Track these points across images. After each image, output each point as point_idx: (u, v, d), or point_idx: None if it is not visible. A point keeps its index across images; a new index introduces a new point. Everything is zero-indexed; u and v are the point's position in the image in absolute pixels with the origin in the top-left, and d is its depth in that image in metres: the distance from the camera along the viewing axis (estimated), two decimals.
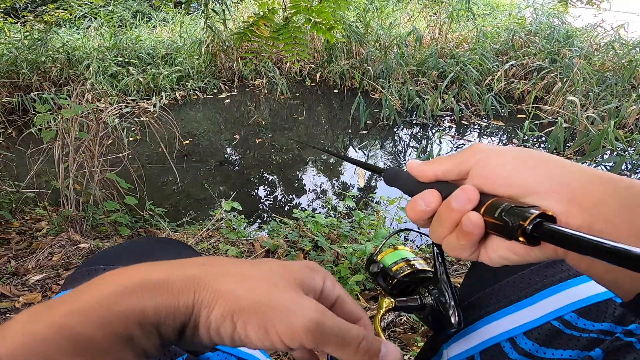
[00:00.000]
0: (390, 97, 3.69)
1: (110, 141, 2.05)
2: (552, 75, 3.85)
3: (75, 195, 1.87)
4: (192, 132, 3.63)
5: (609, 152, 2.89)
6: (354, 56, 4.50)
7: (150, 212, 1.98)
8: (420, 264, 0.49)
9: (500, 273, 0.51)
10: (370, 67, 4.35)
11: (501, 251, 0.31)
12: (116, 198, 1.97)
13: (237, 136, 3.55)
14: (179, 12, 5.97)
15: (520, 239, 0.26)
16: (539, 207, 0.27)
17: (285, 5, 1.80)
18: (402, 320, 1.12)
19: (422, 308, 0.42)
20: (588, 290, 0.44)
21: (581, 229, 0.25)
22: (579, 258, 0.28)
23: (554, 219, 0.27)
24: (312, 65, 4.84)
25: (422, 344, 0.99)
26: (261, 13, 1.68)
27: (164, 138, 2.57)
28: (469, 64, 4.05)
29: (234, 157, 3.29)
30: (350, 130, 3.60)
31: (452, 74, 3.97)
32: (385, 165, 3.06)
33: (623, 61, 3.82)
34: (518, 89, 4.03)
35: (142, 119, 2.21)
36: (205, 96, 4.52)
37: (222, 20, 4.72)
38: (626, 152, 2.76)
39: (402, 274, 0.47)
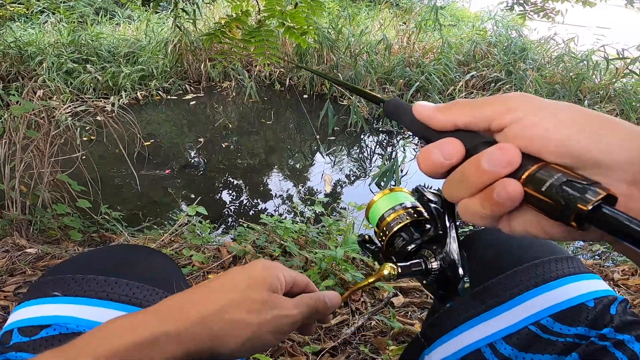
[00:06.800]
0: (358, 104, 3.73)
1: (62, 141, 1.92)
2: (507, 86, 4.05)
3: (21, 197, 1.72)
4: (153, 134, 3.48)
5: None
6: (325, 62, 4.52)
7: (106, 216, 1.87)
8: (420, 212, 0.41)
9: (474, 278, 0.51)
10: (340, 74, 4.39)
11: (529, 226, 0.25)
12: (67, 201, 1.84)
13: (201, 139, 3.44)
14: (146, 10, 5.76)
15: (572, 223, 0.21)
16: (601, 185, 0.21)
17: (259, 9, 1.77)
18: (372, 324, 1.11)
19: (427, 273, 0.36)
20: (562, 294, 0.45)
21: None
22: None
23: (615, 201, 0.21)
24: (282, 70, 4.81)
25: (393, 347, 0.97)
26: (234, 15, 1.64)
27: (123, 139, 2.44)
28: (434, 74, 4.18)
29: (198, 161, 3.19)
30: (318, 136, 3.60)
31: (417, 83, 4.07)
32: (351, 172, 3.07)
33: (571, 74, 4.04)
34: None
35: (98, 118, 2.08)
36: (169, 97, 4.37)
37: (191, 21, 4.60)
38: None
39: (400, 225, 0.39)
